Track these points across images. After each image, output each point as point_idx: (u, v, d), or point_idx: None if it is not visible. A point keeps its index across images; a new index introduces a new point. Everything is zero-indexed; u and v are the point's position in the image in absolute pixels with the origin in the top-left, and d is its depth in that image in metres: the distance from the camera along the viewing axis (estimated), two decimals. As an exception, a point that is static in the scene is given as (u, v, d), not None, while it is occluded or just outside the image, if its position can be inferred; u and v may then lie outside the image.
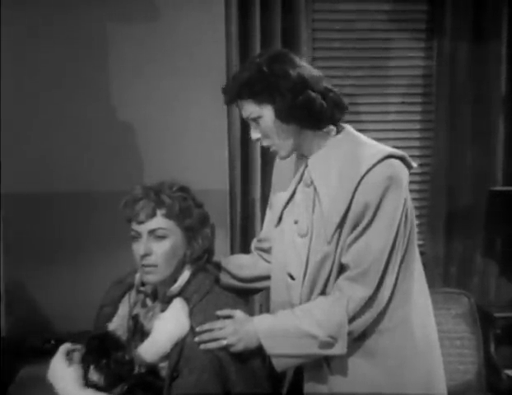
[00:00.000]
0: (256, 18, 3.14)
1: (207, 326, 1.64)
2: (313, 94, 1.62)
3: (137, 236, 1.69)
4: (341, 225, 1.63)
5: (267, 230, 1.91)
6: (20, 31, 3.07)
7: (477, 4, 3.23)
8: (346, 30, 3.31)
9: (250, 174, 3.21)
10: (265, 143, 1.68)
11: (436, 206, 3.30)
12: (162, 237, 1.68)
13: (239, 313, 1.68)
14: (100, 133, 3.17)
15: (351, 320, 1.61)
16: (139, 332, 1.73)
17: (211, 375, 1.58)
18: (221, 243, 3.22)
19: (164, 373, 1.64)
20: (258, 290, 1.97)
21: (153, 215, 1.67)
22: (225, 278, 1.88)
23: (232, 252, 3.20)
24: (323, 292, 1.67)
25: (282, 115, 1.62)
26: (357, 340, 1.66)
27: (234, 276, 1.90)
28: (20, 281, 3.09)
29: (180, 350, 1.62)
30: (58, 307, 3.06)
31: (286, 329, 1.63)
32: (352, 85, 3.28)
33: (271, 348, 1.63)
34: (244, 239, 3.22)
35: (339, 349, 1.61)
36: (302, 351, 1.63)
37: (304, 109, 1.61)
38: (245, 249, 3.20)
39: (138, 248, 1.68)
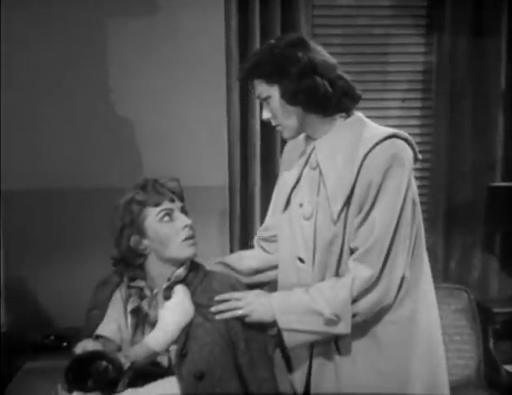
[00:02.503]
0: (255, 14, 3.14)
1: (226, 296, 1.70)
2: (319, 80, 1.66)
3: (170, 213, 1.74)
4: (347, 205, 1.65)
5: (271, 218, 1.93)
6: (19, 29, 3.06)
7: (477, 0, 3.23)
8: (346, 25, 3.31)
9: (250, 170, 3.21)
10: (273, 123, 1.74)
11: (436, 201, 3.30)
12: (187, 213, 1.80)
13: (258, 290, 1.76)
14: (98, 130, 3.16)
15: (356, 300, 1.62)
16: (142, 323, 1.76)
17: (223, 347, 1.65)
18: (221, 238, 3.23)
19: (163, 360, 1.69)
20: (263, 284, 1.97)
21: (180, 194, 1.80)
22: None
23: (231, 246, 3.21)
24: (336, 276, 1.69)
25: (287, 96, 1.67)
26: (366, 327, 1.67)
27: (238, 271, 1.92)
28: (19, 277, 3.10)
29: (187, 330, 1.67)
30: (57, 303, 3.07)
31: (296, 305, 1.66)
32: (352, 81, 3.27)
33: (282, 322, 1.66)
34: (243, 235, 3.22)
35: (343, 328, 1.63)
36: (309, 327, 1.65)
37: (307, 94, 1.65)
38: (245, 244, 3.21)
39: (182, 221, 1.74)
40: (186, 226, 1.74)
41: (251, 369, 1.67)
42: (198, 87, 3.17)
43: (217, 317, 1.68)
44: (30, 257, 3.10)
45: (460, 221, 3.30)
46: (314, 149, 1.74)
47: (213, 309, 1.69)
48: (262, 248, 1.95)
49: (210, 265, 1.94)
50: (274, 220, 1.90)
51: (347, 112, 1.73)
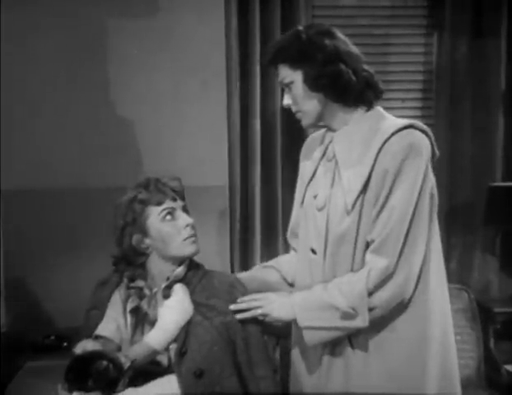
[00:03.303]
0: (256, 14, 3.15)
1: (247, 298, 1.71)
2: (343, 67, 1.65)
3: (173, 212, 1.75)
4: (362, 196, 1.63)
5: (293, 215, 1.91)
6: (19, 29, 3.07)
7: (477, 0, 3.23)
8: (346, 26, 3.29)
9: (250, 170, 3.21)
10: (293, 109, 1.73)
11: (436, 201, 3.30)
12: (188, 212, 1.80)
13: (280, 292, 1.76)
14: (98, 130, 3.16)
15: (373, 293, 1.60)
16: (141, 322, 1.76)
17: (221, 345, 1.65)
18: (222, 238, 3.23)
19: (163, 359, 1.69)
20: None
21: (181, 193, 1.80)
22: (276, 282, 1.88)
23: (231, 247, 3.21)
24: (351, 270, 1.66)
25: (309, 81, 1.66)
26: (382, 324, 1.64)
27: (285, 280, 1.90)
28: (19, 277, 3.09)
29: (187, 328, 1.68)
30: (57, 302, 3.06)
31: (314, 302, 1.65)
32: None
33: (302, 320, 1.65)
34: (243, 235, 3.22)
35: (360, 321, 1.60)
36: (327, 324, 1.63)
37: (330, 79, 1.65)
38: (245, 244, 3.21)
39: (184, 220, 1.75)
40: (188, 225, 1.75)
41: (250, 368, 1.68)
42: (199, 87, 3.17)
43: (238, 316, 1.68)
44: (29, 256, 3.10)
45: (460, 221, 3.30)
46: (331, 141, 1.73)
47: (232, 307, 1.69)
48: (293, 248, 1.93)
49: (260, 266, 1.96)
50: (297, 218, 1.88)
51: (369, 105, 1.72)
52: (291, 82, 1.69)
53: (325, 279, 1.68)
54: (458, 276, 3.29)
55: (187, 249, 1.75)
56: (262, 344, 1.73)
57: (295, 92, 1.69)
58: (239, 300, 1.71)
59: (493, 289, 3.31)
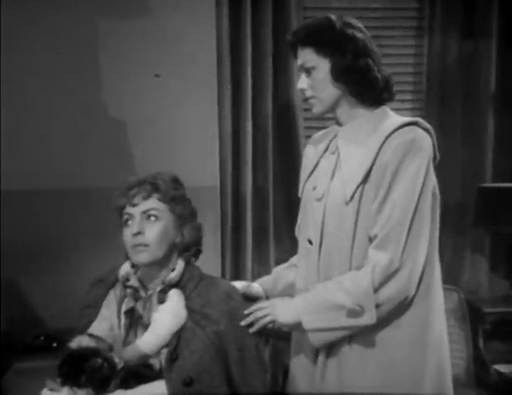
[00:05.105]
0: (247, 15, 3.15)
1: (253, 308, 1.70)
2: (371, 63, 1.66)
3: (130, 219, 1.73)
4: (361, 188, 1.62)
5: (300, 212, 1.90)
6: (16, 30, 3.06)
7: (467, 2, 3.25)
8: (337, 27, 3.31)
9: (241, 170, 3.21)
10: (308, 94, 1.71)
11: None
12: (155, 217, 1.73)
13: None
14: (91, 130, 3.16)
15: (378, 289, 1.57)
16: (135, 324, 1.76)
17: (213, 354, 1.63)
18: (212, 239, 3.22)
19: (155, 363, 1.69)
20: None
21: (148, 197, 1.73)
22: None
23: (223, 248, 3.20)
24: (348, 263, 1.64)
25: (337, 72, 1.66)
26: (381, 327, 1.62)
27: None
28: (11, 278, 3.08)
29: (179, 334, 1.67)
30: (48, 303, 3.05)
31: (317, 302, 1.63)
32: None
33: (306, 323, 1.63)
34: (235, 236, 3.22)
35: (368, 318, 1.57)
36: (332, 324, 1.61)
37: (359, 73, 1.65)
38: (237, 246, 3.21)
39: (131, 228, 1.72)
40: (134, 234, 1.71)
41: (243, 378, 1.66)
42: (190, 88, 3.17)
43: (250, 330, 1.68)
44: (22, 258, 3.08)
45: (450, 222, 3.30)
46: (336, 135, 1.73)
47: (243, 323, 1.68)
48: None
49: (279, 268, 1.94)
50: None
51: (380, 105, 1.72)
52: (313, 67, 1.68)
53: (319, 270, 1.68)
54: (448, 276, 3.29)
55: (134, 258, 1.74)
56: (258, 355, 1.71)
57: (317, 78, 1.68)
58: (246, 312, 1.70)
59: (483, 289, 3.32)
